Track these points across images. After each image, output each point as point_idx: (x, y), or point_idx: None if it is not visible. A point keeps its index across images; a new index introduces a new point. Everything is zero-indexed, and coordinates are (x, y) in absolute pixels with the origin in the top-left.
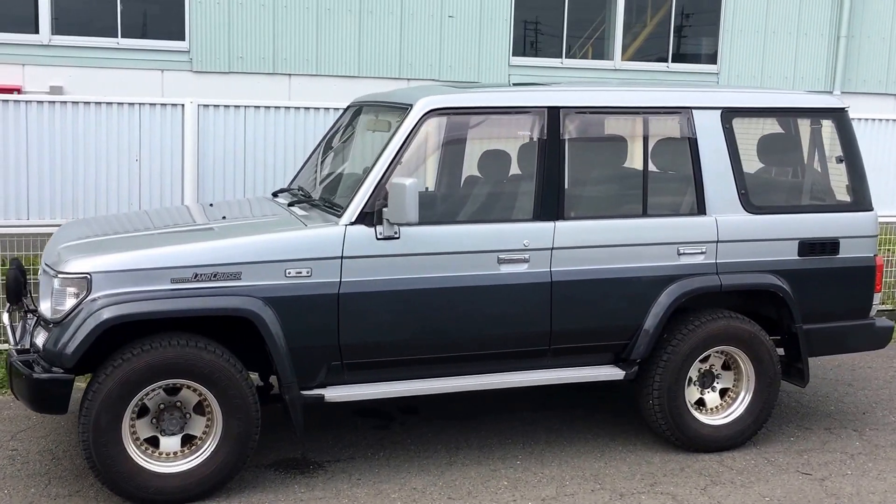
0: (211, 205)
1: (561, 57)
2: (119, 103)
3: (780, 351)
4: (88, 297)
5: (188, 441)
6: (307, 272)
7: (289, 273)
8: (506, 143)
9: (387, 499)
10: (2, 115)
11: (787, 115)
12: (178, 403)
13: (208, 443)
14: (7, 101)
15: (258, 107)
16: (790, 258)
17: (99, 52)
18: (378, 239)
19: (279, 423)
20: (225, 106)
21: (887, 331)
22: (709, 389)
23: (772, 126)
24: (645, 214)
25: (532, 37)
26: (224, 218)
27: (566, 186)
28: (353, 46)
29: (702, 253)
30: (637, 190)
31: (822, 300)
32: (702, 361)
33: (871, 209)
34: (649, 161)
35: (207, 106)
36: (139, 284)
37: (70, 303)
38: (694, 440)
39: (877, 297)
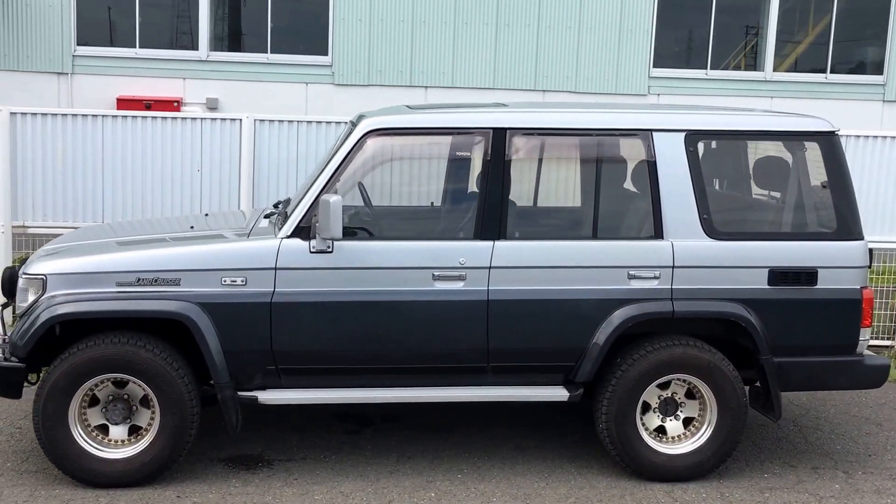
0: (206, 215)
1: (705, 68)
2: (182, 118)
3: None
4: (44, 296)
5: (135, 431)
6: (242, 281)
7: (224, 281)
8: (449, 163)
9: (310, 499)
10: (81, 129)
11: (764, 138)
12: (126, 396)
13: (150, 434)
14: (86, 115)
15: (310, 122)
16: (758, 287)
17: (250, 67)
18: (311, 252)
19: (249, 420)
20: (279, 121)
21: (880, 369)
22: (671, 417)
23: (762, 149)
24: (595, 237)
25: (675, 48)
26: (192, 228)
27: (509, 207)
28: (489, 59)
29: (655, 278)
30: (588, 212)
31: (797, 333)
32: (662, 388)
33: (860, 238)
34: (602, 184)
35: (263, 120)
36: (88, 286)
37: (30, 300)
38: (646, 468)
39: (866, 333)
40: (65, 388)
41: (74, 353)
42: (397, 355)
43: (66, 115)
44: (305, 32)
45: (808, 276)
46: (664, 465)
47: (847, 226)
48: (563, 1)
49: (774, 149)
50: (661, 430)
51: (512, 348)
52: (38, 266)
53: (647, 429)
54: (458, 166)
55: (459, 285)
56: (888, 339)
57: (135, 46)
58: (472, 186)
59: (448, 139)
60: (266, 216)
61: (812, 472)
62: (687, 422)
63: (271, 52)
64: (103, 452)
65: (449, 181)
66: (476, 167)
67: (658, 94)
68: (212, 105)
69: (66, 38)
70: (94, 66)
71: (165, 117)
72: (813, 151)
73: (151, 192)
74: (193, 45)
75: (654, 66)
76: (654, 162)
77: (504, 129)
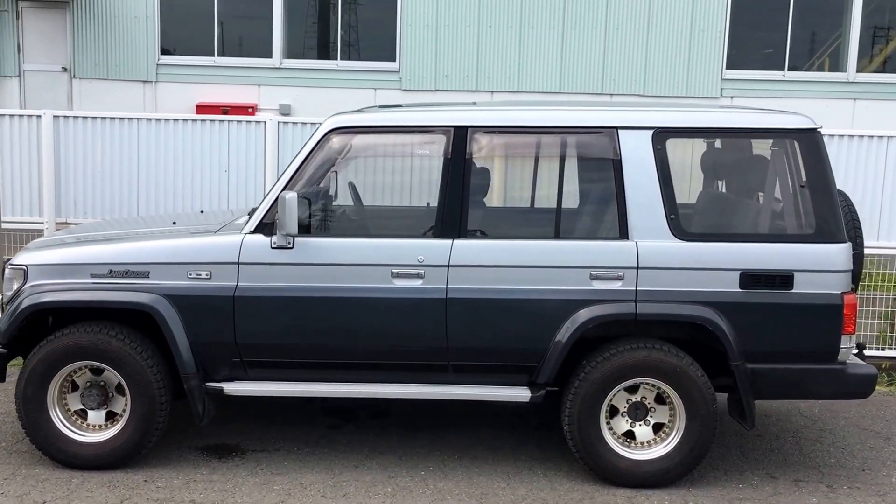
0: (202, 212)
1: (783, 69)
2: (211, 120)
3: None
4: (26, 286)
5: (112, 417)
6: (207, 275)
7: (190, 275)
8: (411, 161)
9: (270, 490)
10: (118, 131)
11: (739, 135)
12: (102, 383)
13: (123, 419)
14: (122, 118)
15: None
16: (729, 290)
17: (320, 74)
18: (273, 248)
19: (236, 412)
20: (302, 123)
21: (865, 378)
22: (641, 423)
23: (738, 147)
24: (557, 236)
25: (749, 49)
26: (174, 223)
27: (469, 205)
28: (555, 62)
29: (618, 279)
30: (550, 211)
31: (772, 339)
32: (631, 392)
33: (841, 241)
34: (565, 182)
35: (287, 123)
36: (65, 277)
37: (14, 289)
38: (609, 472)
39: (848, 340)
40: (42, 373)
41: (52, 340)
42: (358, 352)
43: (104, 118)
44: (374, 39)
45: (782, 279)
46: (629, 471)
47: (827, 228)
48: (632, 2)
49: (758, 147)
50: (630, 435)
51: (471, 347)
52: (21, 257)
53: (614, 433)
54: (419, 164)
55: (418, 283)
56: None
57: (213, 55)
58: (435, 184)
59: (411, 138)
60: (249, 213)
61: (792, 484)
62: (657, 427)
63: (341, 59)
64: (79, 436)
65: (414, 179)
66: (437, 165)
67: (731, 97)
68: (284, 111)
69: (150, 48)
70: (175, 74)
71: (195, 120)
72: (790, 150)
73: (182, 191)
74: (268, 54)
75: (728, 67)
76: (620, 160)
77: (465, 128)
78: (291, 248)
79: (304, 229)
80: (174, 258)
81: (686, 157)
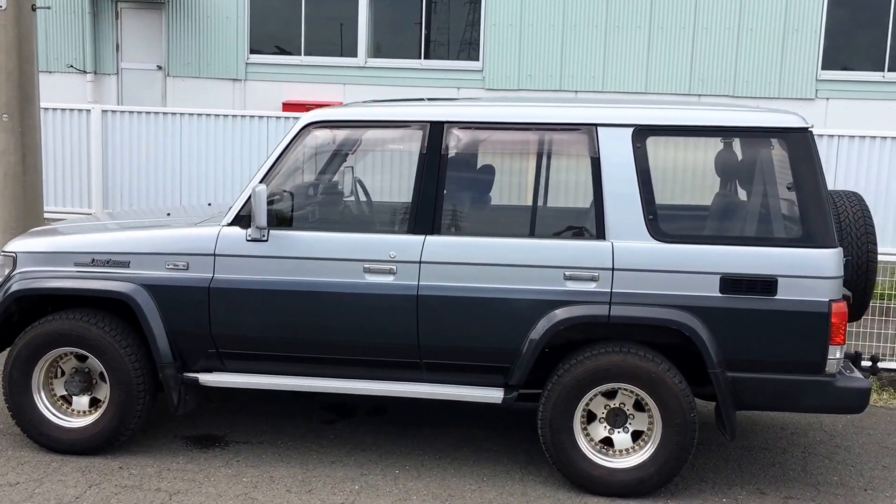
0: (209, 204)
1: (882, 70)
2: (250, 116)
3: None
4: (15, 272)
5: (95, 403)
6: (184, 265)
7: (168, 265)
8: (387, 155)
9: (238, 481)
10: (162, 125)
11: (725, 134)
12: (87, 370)
13: (103, 406)
14: (167, 113)
15: None
16: (708, 294)
17: (404, 73)
18: (248, 240)
19: (240, 403)
20: None
21: (857, 392)
22: (619, 430)
23: (722, 147)
24: (532, 235)
25: (846, 49)
26: (168, 215)
27: (443, 201)
28: (642, 62)
29: (593, 280)
30: (525, 209)
31: (754, 346)
32: (609, 398)
33: (831, 246)
34: (543, 180)
35: None
36: (50, 265)
37: (5, 275)
38: (583, 480)
39: (837, 351)
40: (27, 358)
41: (36, 326)
42: (331, 347)
43: (148, 112)
44: (458, 38)
45: (765, 284)
46: (603, 479)
47: (815, 232)
48: (722, 1)
49: (745, 146)
50: (608, 442)
51: (443, 346)
52: (12, 244)
53: (591, 439)
54: (397, 159)
55: (389, 279)
56: None
57: (300, 54)
58: (409, 180)
59: (388, 132)
60: None
61: (781, 501)
62: (637, 435)
63: (424, 59)
64: (63, 421)
65: (389, 174)
66: (414, 161)
67: (827, 98)
68: None
69: (240, 47)
70: (263, 72)
71: (237, 115)
72: (779, 150)
73: (223, 183)
74: (353, 53)
75: (823, 68)
76: (598, 158)
77: (441, 123)
78: (266, 240)
79: (283, 222)
80: (153, 248)
81: (677, 157)
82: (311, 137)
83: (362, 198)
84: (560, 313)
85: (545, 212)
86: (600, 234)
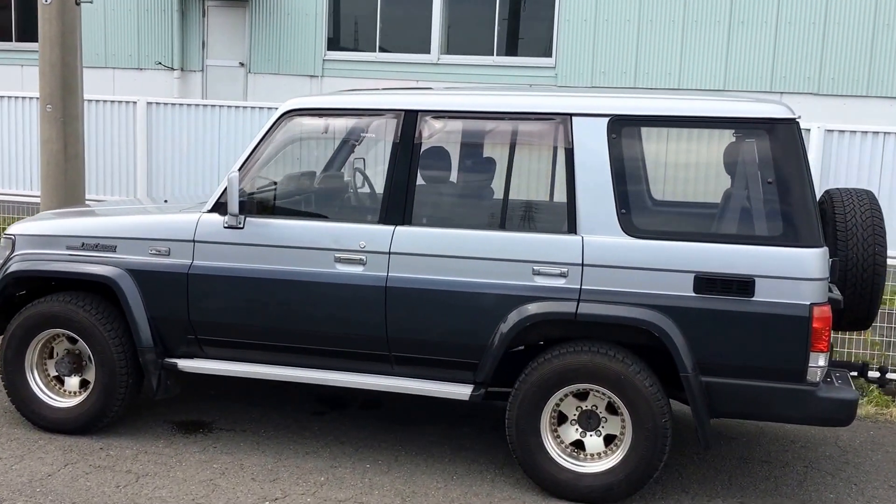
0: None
1: None
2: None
3: None
4: (13, 254)
5: (86, 385)
6: (166, 251)
7: (151, 250)
8: (362, 144)
9: (209, 467)
10: (202, 117)
11: (706, 125)
12: (78, 352)
13: (90, 388)
14: (206, 105)
15: None
16: (682, 294)
17: (477, 69)
18: (225, 227)
19: (240, 392)
20: None
21: (842, 404)
22: (592, 433)
23: (706, 139)
24: (502, 227)
25: None
26: (165, 202)
27: (415, 191)
28: (720, 58)
29: (562, 276)
30: (496, 201)
31: (728, 350)
32: (580, 399)
33: (815, 245)
34: (516, 170)
35: None
36: (45, 248)
37: (5, 256)
38: (549, 483)
39: (819, 359)
40: (21, 338)
41: (29, 307)
42: (303, 337)
43: (190, 105)
44: (531, 35)
45: (741, 285)
46: (570, 483)
47: (797, 230)
48: None
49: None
50: (579, 445)
51: (410, 339)
52: (13, 227)
53: (561, 441)
54: (371, 148)
55: (359, 269)
56: None
57: (374, 51)
58: (382, 169)
59: (364, 121)
60: None
61: None
62: (609, 439)
63: (497, 55)
64: (51, 400)
65: (362, 163)
66: (387, 149)
67: None
68: None
69: (318, 44)
70: (340, 69)
71: (272, 108)
72: (762, 142)
73: None
74: (426, 50)
75: None
76: (572, 149)
77: (415, 112)
78: (242, 227)
79: (259, 210)
80: (137, 234)
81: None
82: (289, 125)
83: (337, 186)
84: (525, 310)
85: (517, 204)
86: (571, 229)
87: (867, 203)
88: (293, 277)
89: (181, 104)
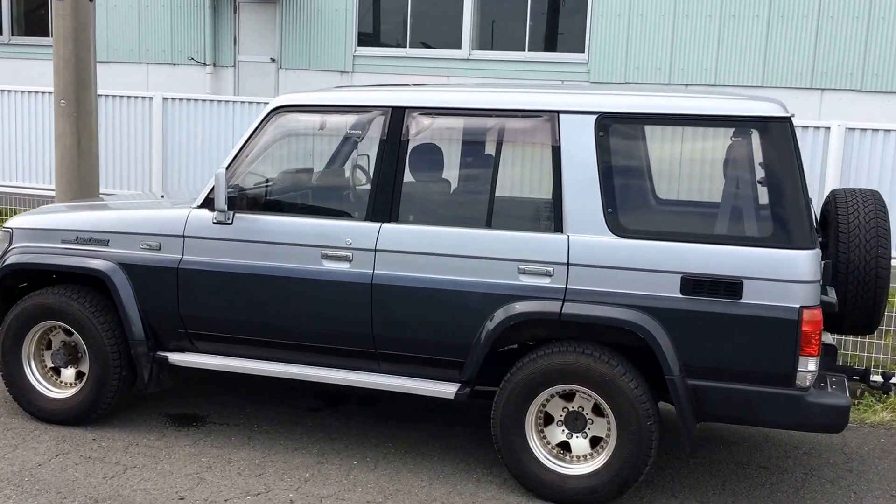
0: None
1: None
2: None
3: None
4: (11, 247)
5: (81, 376)
6: (157, 245)
7: (142, 245)
8: (350, 141)
9: (196, 461)
10: (217, 112)
11: (696, 123)
12: (74, 344)
13: (84, 380)
14: (220, 101)
15: None
16: (668, 295)
17: (507, 65)
18: (213, 223)
19: (239, 387)
20: None
21: (832, 409)
22: (578, 434)
23: (698, 138)
24: (489, 225)
25: None
26: (162, 197)
27: (402, 189)
28: (759, 54)
29: (547, 275)
30: (483, 198)
31: (715, 353)
32: (567, 400)
33: (807, 247)
34: (503, 168)
35: None
36: (41, 241)
37: (3, 249)
38: (534, 485)
39: (809, 363)
40: (17, 329)
41: (26, 299)
42: (290, 333)
43: (204, 100)
44: (563, 30)
45: (728, 286)
46: (554, 485)
47: (787, 231)
48: None
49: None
50: (565, 447)
51: (396, 336)
52: (12, 221)
53: (547, 442)
54: (359, 145)
55: (345, 266)
56: None
57: (405, 46)
58: (370, 166)
59: (352, 117)
60: None
61: None
62: (595, 441)
63: (528, 51)
64: (47, 391)
65: (351, 160)
66: (374, 146)
67: None
68: None
69: (348, 40)
70: (370, 64)
71: None
72: (755, 141)
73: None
74: (457, 45)
75: None
76: (559, 146)
77: (402, 108)
78: (230, 223)
79: (247, 206)
80: (129, 228)
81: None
82: (278, 122)
83: (326, 182)
84: (509, 309)
85: (504, 202)
86: (558, 227)
87: (872, 203)
88: (280, 273)
89: (196, 99)
